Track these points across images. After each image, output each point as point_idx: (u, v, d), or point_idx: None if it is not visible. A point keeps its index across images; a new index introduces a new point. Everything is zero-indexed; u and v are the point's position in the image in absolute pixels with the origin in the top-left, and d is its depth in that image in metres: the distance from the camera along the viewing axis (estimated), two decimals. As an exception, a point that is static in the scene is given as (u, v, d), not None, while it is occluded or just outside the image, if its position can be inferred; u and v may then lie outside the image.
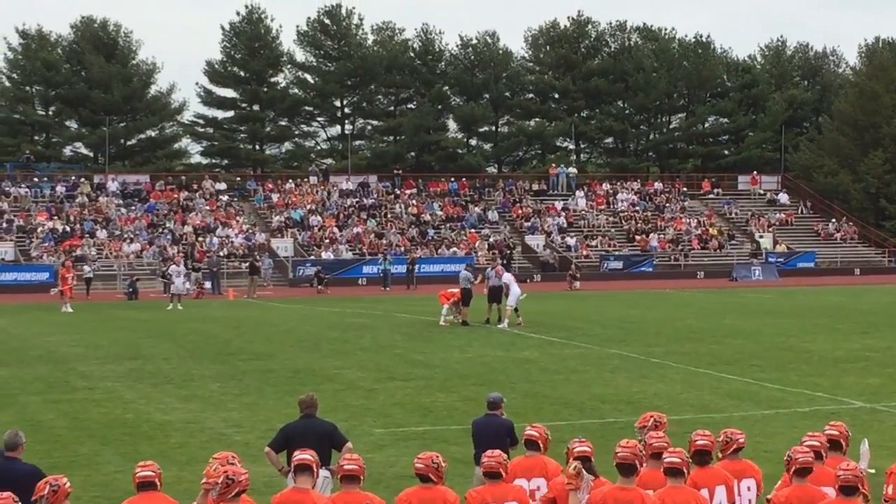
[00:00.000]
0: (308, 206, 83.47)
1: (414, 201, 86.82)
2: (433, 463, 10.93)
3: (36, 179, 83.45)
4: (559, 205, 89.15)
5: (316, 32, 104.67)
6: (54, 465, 17.93)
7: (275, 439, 14.31)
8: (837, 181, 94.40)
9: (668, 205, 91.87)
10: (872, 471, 12.01)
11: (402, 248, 78.15)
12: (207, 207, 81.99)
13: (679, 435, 13.14)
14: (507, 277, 43.84)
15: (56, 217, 77.11)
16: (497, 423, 14.97)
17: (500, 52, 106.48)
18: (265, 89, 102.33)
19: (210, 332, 41.94)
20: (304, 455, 11.13)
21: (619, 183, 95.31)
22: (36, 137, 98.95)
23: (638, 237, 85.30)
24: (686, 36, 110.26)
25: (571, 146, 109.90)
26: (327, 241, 78.41)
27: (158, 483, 10.61)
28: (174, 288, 55.31)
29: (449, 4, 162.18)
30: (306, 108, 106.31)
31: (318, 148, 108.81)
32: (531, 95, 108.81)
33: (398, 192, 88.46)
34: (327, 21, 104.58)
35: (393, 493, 11.56)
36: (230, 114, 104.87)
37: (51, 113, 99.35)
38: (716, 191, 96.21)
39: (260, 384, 28.03)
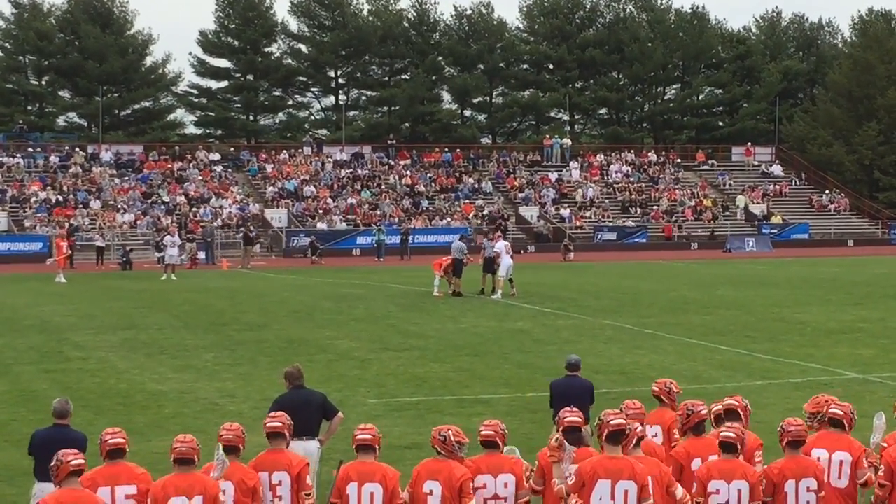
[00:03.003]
0: (302, 177, 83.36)
1: (408, 172, 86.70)
2: (440, 436, 11.01)
3: (29, 149, 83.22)
4: (553, 176, 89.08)
5: (310, 2, 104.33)
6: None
7: (273, 412, 14.32)
8: (831, 153, 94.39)
9: (661, 176, 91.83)
10: (885, 445, 12.05)
11: (396, 219, 78.15)
12: (201, 178, 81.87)
13: (672, 405, 13.17)
14: (500, 246, 43.69)
15: (50, 187, 76.98)
16: (579, 384, 15.70)
17: (495, 22, 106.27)
18: (259, 59, 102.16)
19: (204, 302, 41.95)
20: (275, 422, 11.55)
21: (613, 154, 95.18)
22: (29, 107, 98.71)
23: (632, 209, 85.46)
24: (682, 7, 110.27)
25: (566, 117, 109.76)
26: (321, 211, 78.37)
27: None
28: (168, 258, 55.23)
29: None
30: (300, 78, 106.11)
31: (312, 118, 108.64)
32: (526, 66, 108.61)
33: (392, 162, 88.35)
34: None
35: (385, 463, 11.58)
36: (224, 84, 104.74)
37: (44, 83, 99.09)
38: (710, 162, 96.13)
39: (254, 354, 28.07)
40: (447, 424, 11.34)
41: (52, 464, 10.17)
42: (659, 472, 10.82)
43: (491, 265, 43.60)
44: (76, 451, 10.39)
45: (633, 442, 10.88)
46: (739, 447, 11.09)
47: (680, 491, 10.84)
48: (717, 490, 10.87)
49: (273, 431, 11.46)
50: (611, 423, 10.75)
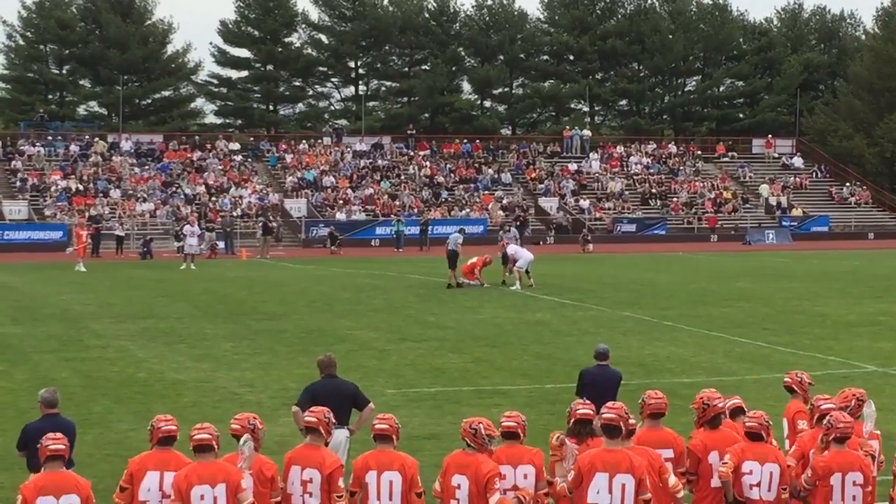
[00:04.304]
0: (321, 167, 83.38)
1: (427, 163, 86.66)
2: (471, 429, 10.94)
3: (50, 138, 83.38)
4: (573, 167, 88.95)
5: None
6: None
7: (302, 398, 14.30)
8: (852, 145, 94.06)
9: (682, 168, 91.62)
10: (878, 432, 12.08)
11: (416, 210, 78.12)
12: (221, 167, 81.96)
13: (691, 398, 13.15)
14: (512, 249, 43.72)
15: (70, 176, 77.15)
16: (610, 374, 15.83)
17: (516, 13, 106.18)
18: (279, 49, 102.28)
19: (223, 291, 42.02)
20: (311, 417, 11.36)
21: (633, 145, 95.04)
22: (50, 96, 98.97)
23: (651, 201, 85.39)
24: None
25: (586, 108, 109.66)
26: (340, 202, 78.40)
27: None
28: (187, 248, 55.37)
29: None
30: (320, 68, 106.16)
31: (332, 108, 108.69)
32: (546, 57, 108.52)
33: (412, 153, 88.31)
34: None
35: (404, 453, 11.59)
36: (244, 74, 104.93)
37: (65, 72, 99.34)
38: (730, 154, 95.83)
39: (272, 344, 28.10)
40: (476, 416, 11.27)
41: (37, 446, 10.51)
42: (649, 459, 10.87)
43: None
44: (58, 435, 10.56)
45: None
46: (765, 435, 11.29)
47: (672, 479, 10.91)
48: (750, 471, 11.12)
49: (308, 426, 11.37)
50: (603, 416, 10.77)
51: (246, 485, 10.59)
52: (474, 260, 43.72)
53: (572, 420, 11.52)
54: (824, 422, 11.41)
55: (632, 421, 11.12)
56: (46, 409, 12.71)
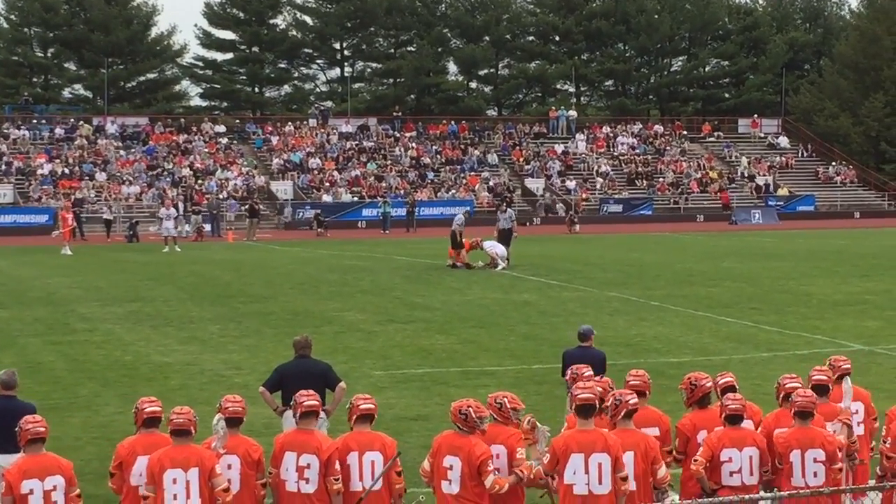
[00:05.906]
0: (307, 149, 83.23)
1: (414, 144, 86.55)
2: (461, 413, 10.83)
3: (35, 121, 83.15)
4: (559, 148, 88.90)
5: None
6: (54, 406, 18.08)
7: (269, 379, 14.42)
8: (838, 124, 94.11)
9: (668, 148, 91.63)
10: (856, 410, 12.15)
11: (402, 191, 78.03)
12: (207, 150, 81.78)
13: (678, 378, 13.17)
14: (489, 244, 43.83)
15: (56, 159, 76.93)
16: (591, 355, 15.64)
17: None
18: (265, 31, 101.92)
19: (210, 274, 41.93)
20: (311, 401, 11.24)
21: (619, 126, 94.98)
22: (35, 79, 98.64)
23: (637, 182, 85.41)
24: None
25: (572, 89, 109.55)
26: (327, 183, 78.27)
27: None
28: (164, 230, 55.45)
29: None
30: (306, 50, 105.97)
31: (318, 90, 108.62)
32: (532, 38, 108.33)
33: (398, 134, 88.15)
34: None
35: (391, 435, 11.59)
36: (229, 56, 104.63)
37: (49, 55, 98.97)
38: (716, 134, 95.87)
39: (259, 326, 28.08)
40: (464, 398, 11.23)
41: (17, 430, 10.49)
42: (645, 446, 10.80)
43: (507, 237, 43.97)
44: (37, 418, 10.61)
45: (622, 414, 10.86)
46: (744, 416, 11.28)
47: (662, 470, 10.82)
48: (729, 458, 11.04)
49: (308, 411, 11.17)
50: (578, 396, 10.72)
51: (221, 468, 10.57)
52: (465, 242, 43.78)
53: (573, 403, 11.46)
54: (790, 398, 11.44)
55: (633, 401, 11.03)
56: (3, 391, 12.60)
